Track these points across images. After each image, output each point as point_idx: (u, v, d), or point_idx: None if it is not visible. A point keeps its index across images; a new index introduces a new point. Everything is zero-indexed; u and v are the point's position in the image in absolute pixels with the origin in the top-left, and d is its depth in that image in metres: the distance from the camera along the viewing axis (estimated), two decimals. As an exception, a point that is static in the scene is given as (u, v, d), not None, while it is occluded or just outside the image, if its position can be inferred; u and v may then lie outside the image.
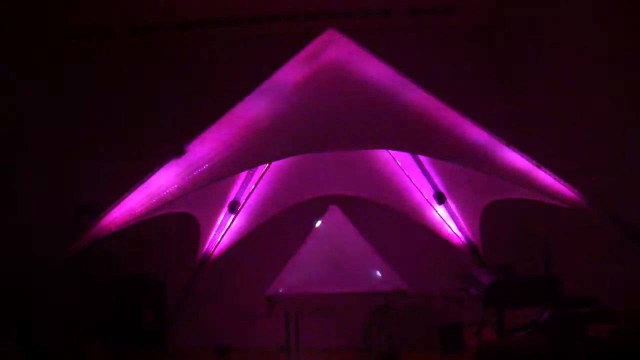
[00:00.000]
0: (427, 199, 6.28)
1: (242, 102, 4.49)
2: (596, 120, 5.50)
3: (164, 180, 4.32)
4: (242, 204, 6.25)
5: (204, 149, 4.39)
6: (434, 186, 6.15)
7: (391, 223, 6.86)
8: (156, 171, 4.27)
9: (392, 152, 6.05)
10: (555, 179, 4.03)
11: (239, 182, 6.15)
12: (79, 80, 8.46)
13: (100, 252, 6.08)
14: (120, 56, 8.59)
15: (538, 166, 4.06)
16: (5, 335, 5.41)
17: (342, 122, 4.13)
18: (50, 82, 8.27)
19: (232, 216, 6.30)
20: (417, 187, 6.25)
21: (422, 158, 5.99)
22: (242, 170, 5.57)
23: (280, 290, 5.14)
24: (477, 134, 4.30)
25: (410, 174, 6.22)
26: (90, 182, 7.61)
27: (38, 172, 7.57)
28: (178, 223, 6.00)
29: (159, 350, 7.10)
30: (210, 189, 5.25)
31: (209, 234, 6.32)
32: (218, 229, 6.33)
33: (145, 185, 4.26)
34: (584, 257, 5.67)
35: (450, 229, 6.35)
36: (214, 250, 6.43)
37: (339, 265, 5.21)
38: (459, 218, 6.26)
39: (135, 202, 4.23)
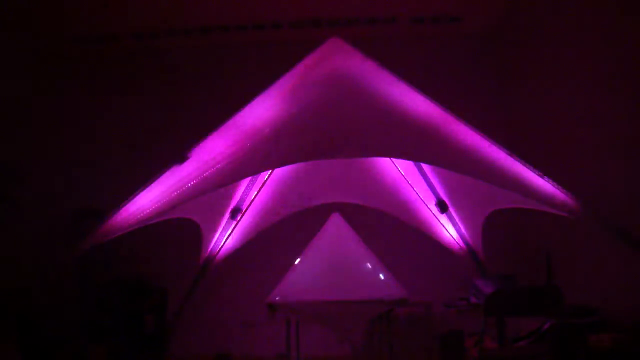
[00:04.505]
0: (429, 208, 6.27)
1: (245, 108, 4.51)
2: (599, 129, 5.51)
3: (166, 186, 4.32)
4: (244, 210, 6.25)
5: (206, 156, 4.40)
6: (436, 195, 6.15)
7: (393, 231, 6.87)
8: (158, 177, 4.28)
9: (394, 160, 6.05)
10: (557, 188, 4.02)
11: (241, 189, 6.15)
12: (80, 84, 8.50)
13: (102, 257, 6.09)
14: (123, 61, 8.62)
15: (541, 176, 4.06)
16: (5, 337, 5.41)
17: (344, 130, 4.13)
18: (52, 84, 8.31)
19: (234, 223, 6.30)
20: (419, 196, 6.25)
21: (424, 166, 6.00)
22: (244, 177, 5.57)
23: (281, 298, 5.14)
24: (479, 143, 4.30)
25: (412, 183, 6.22)
26: (92, 185, 7.63)
27: (39, 173, 7.58)
28: (180, 229, 5.99)
29: (159, 357, 7.09)
30: (213, 196, 5.26)
31: (210, 240, 6.32)
32: (220, 235, 6.33)
33: (147, 190, 4.27)
34: (586, 266, 5.66)
35: (452, 237, 6.34)
36: (216, 256, 6.42)
37: (341, 272, 5.20)
38: (461, 226, 6.25)
39: (137, 207, 4.23)
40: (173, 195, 4.22)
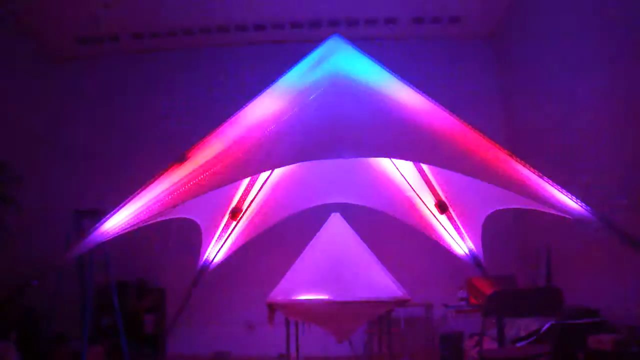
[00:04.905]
0: (429, 208, 6.26)
1: (245, 108, 4.50)
2: (598, 130, 5.50)
3: (166, 186, 4.32)
4: (243, 210, 6.25)
5: (206, 155, 4.40)
6: (436, 195, 6.14)
7: (393, 231, 6.86)
8: (158, 177, 4.27)
9: (394, 160, 6.05)
10: (558, 190, 4.02)
11: (241, 189, 6.15)
12: (80, 84, 8.50)
13: (101, 257, 6.09)
14: (123, 61, 8.63)
15: (541, 176, 4.05)
16: (5, 338, 5.41)
17: (345, 130, 4.13)
18: (52, 85, 8.31)
19: (234, 223, 6.29)
20: (419, 196, 6.24)
21: (424, 167, 5.99)
22: (244, 177, 5.56)
23: (281, 298, 5.13)
24: (480, 143, 4.29)
25: (412, 183, 6.21)
26: (92, 186, 7.64)
27: (39, 174, 7.59)
28: (180, 229, 6.00)
29: (158, 356, 7.10)
30: (212, 196, 5.24)
31: (210, 240, 6.31)
32: (219, 235, 6.33)
33: (147, 190, 4.26)
34: (586, 268, 5.65)
35: (452, 238, 6.33)
36: (215, 256, 6.42)
37: (340, 273, 5.19)
38: (461, 227, 6.24)
39: (137, 207, 4.23)
40: (173, 195, 4.22)
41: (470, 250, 6.28)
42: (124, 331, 6.12)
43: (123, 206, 4.15)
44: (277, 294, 5.18)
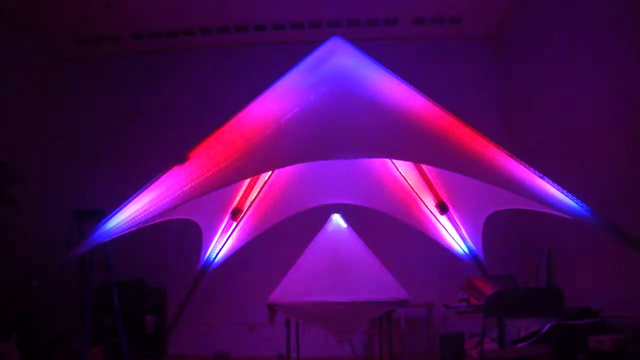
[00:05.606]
0: (429, 209, 6.27)
1: (246, 109, 4.51)
2: (598, 130, 5.50)
3: (167, 187, 4.32)
4: (244, 211, 6.25)
5: (207, 156, 4.40)
6: (436, 196, 6.14)
7: (393, 232, 6.86)
8: (159, 177, 4.28)
9: (394, 161, 6.05)
10: (558, 190, 4.02)
11: (242, 190, 6.15)
12: (80, 84, 8.50)
13: (102, 257, 6.09)
14: (123, 62, 8.63)
15: (541, 177, 4.05)
16: (5, 339, 5.40)
17: (345, 131, 4.13)
18: (52, 85, 8.31)
19: (235, 223, 6.29)
20: (419, 197, 6.24)
21: (424, 168, 5.99)
22: (245, 178, 5.57)
23: (282, 298, 5.12)
24: (480, 144, 4.30)
25: (412, 184, 6.21)
26: (93, 186, 7.63)
27: (40, 175, 7.58)
28: (180, 229, 5.99)
29: (159, 357, 7.09)
30: (213, 196, 5.24)
31: (211, 240, 6.32)
32: (220, 235, 6.33)
33: (148, 191, 4.26)
34: (586, 268, 5.65)
35: (453, 238, 6.34)
36: (216, 257, 6.42)
37: (341, 273, 5.18)
38: (462, 228, 6.24)
39: (138, 207, 4.23)
40: (173, 195, 4.22)
41: (470, 250, 6.29)
42: (124, 331, 6.11)
43: (124, 206, 4.16)
44: (278, 295, 5.16)
